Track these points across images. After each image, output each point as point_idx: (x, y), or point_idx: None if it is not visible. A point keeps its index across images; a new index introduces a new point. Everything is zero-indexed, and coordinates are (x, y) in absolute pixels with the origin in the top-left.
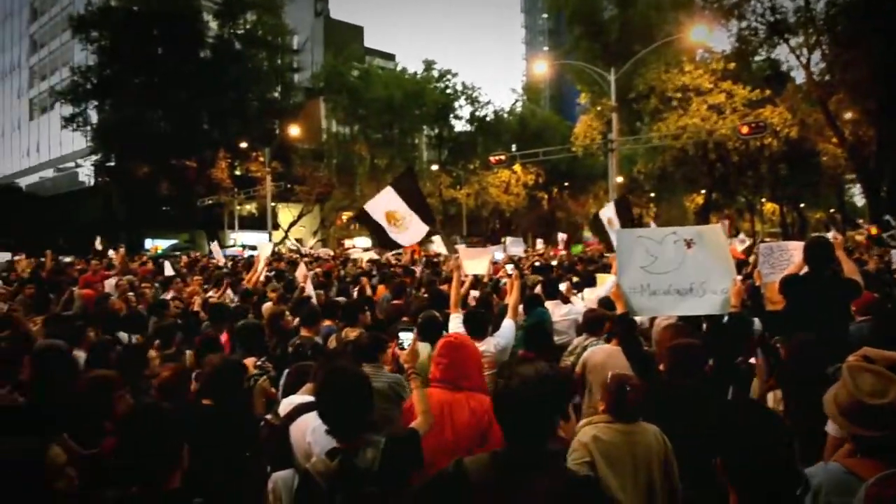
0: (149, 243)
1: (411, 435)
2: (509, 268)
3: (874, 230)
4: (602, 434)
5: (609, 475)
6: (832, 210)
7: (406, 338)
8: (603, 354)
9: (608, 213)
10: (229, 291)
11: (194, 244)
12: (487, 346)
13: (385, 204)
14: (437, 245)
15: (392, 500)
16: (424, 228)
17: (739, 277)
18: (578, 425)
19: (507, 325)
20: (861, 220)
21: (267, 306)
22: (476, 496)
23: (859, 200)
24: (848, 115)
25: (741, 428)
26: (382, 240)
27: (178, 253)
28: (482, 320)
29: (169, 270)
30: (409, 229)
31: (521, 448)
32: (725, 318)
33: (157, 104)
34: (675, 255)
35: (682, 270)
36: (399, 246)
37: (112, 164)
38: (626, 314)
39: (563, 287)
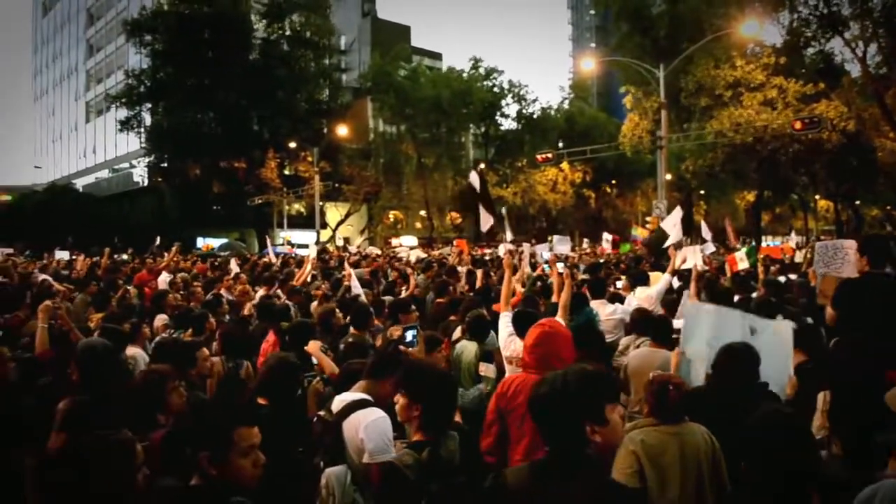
0: (200, 242)
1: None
2: (559, 266)
3: None
4: (648, 437)
5: (656, 479)
6: (888, 207)
7: (411, 335)
8: (640, 357)
9: (670, 220)
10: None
11: (245, 243)
12: None
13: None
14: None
15: (476, 488)
16: (490, 219)
17: (794, 276)
18: (625, 429)
19: None
20: None
21: (314, 305)
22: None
23: None
24: None
25: (760, 434)
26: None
27: (226, 252)
28: (531, 320)
29: (234, 268)
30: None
31: (556, 454)
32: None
33: (208, 106)
34: (739, 334)
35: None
36: (492, 236)
37: (165, 164)
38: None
39: (620, 285)
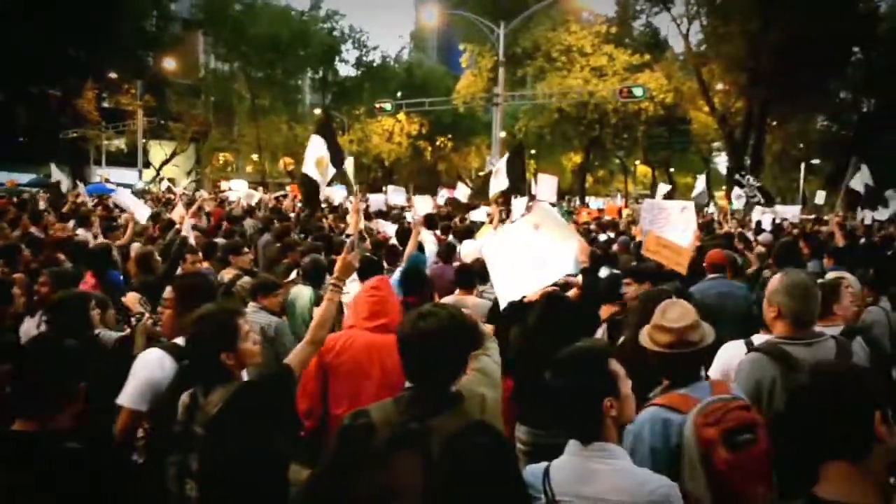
0: (3, 176)
1: (272, 376)
2: (408, 216)
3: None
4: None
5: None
6: (697, 176)
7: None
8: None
9: (499, 165)
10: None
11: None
12: None
13: (315, 152)
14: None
15: (223, 444)
16: (333, 170)
17: (612, 234)
18: None
19: (399, 274)
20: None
21: (135, 246)
22: (385, 438)
23: (723, 168)
24: (719, 87)
25: None
26: (313, 200)
27: (35, 189)
28: (375, 267)
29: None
30: (326, 171)
31: (425, 390)
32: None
33: (17, 24)
34: (527, 238)
35: (535, 248)
36: (318, 202)
37: None
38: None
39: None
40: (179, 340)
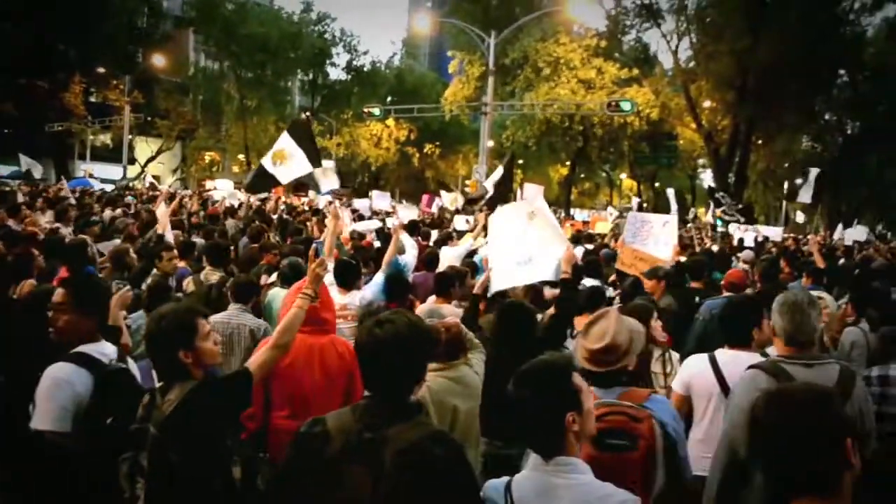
0: None
1: (229, 377)
2: (389, 221)
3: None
4: (433, 383)
5: (441, 420)
6: (683, 191)
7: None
8: (425, 312)
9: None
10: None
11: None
12: (352, 298)
13: (277, 146)
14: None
15: (174, 443)
16: (307, 168)
17: (590, 246)
18: None
19: (378, 279)
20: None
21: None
22: (338, 447)
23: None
24: (707, 104)
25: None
26: (256, 184)
27: (16, 181)
28: (353, 271)
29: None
30: (290, 165)
31: (382, 399)
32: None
33: (5, 16)
34: (520, 227)
35: (524, 242)
36: (271, 187)
37: None
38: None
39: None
40: (84, 348)
